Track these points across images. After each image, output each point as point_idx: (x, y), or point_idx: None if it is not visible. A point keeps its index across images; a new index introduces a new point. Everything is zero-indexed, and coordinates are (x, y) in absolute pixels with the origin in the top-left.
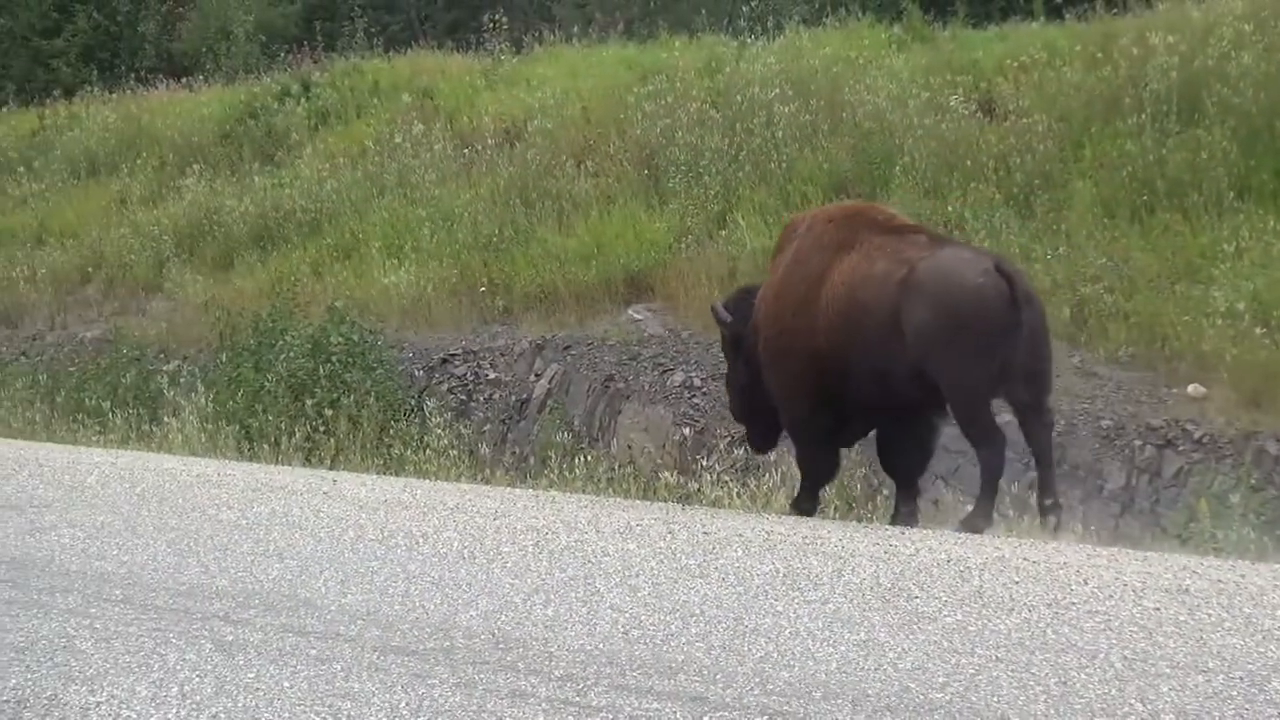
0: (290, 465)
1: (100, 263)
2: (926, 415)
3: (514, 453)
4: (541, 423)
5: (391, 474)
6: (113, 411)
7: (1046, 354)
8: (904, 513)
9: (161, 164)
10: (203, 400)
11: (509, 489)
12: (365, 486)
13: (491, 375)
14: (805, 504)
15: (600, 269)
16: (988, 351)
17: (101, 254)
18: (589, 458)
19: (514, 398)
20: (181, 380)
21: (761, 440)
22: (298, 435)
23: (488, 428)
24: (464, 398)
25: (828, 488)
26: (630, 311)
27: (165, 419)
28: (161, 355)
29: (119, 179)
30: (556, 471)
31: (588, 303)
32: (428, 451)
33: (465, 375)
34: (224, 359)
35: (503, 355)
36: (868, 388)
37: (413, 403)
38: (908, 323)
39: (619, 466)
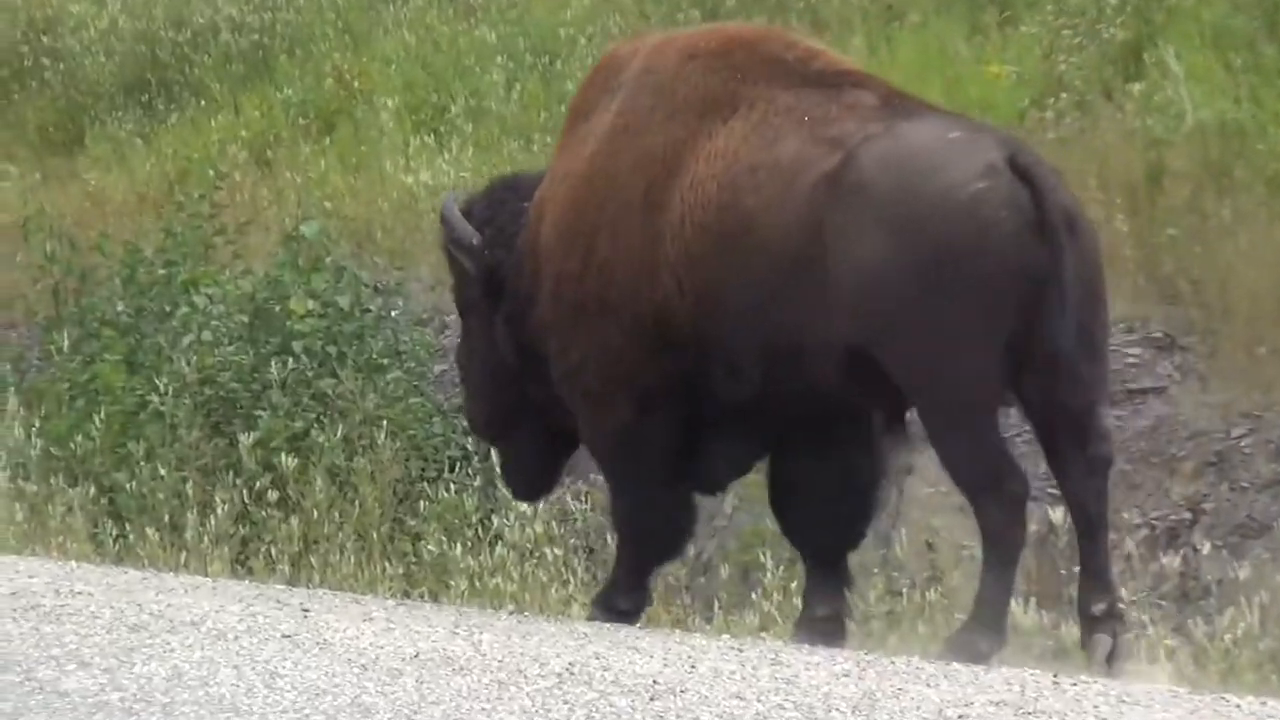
0: (204, 574)
1: None
2: (863, 430)
3: (696, 558)
4: (743, 491)
5: (421, 596)
6: None
7: (1102, 321)
8: (820, 618)
9: None
10: (16, 430)
11: None
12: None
13: None
14: (623, 594)
15: None
16: (992, 318)
17: None
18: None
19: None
20: None
21: (528, 473)
22: (222, 511)
23: None
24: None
25: (671, 566)
26: None
27: None
28: None
29: None
30: (773, 601)
31: None
32: (502, 550)
33: None
34: (59, 344)
35: None
36: (754, 379)
37: (464, 444)
38: (839, 261)
39: (912, 588)
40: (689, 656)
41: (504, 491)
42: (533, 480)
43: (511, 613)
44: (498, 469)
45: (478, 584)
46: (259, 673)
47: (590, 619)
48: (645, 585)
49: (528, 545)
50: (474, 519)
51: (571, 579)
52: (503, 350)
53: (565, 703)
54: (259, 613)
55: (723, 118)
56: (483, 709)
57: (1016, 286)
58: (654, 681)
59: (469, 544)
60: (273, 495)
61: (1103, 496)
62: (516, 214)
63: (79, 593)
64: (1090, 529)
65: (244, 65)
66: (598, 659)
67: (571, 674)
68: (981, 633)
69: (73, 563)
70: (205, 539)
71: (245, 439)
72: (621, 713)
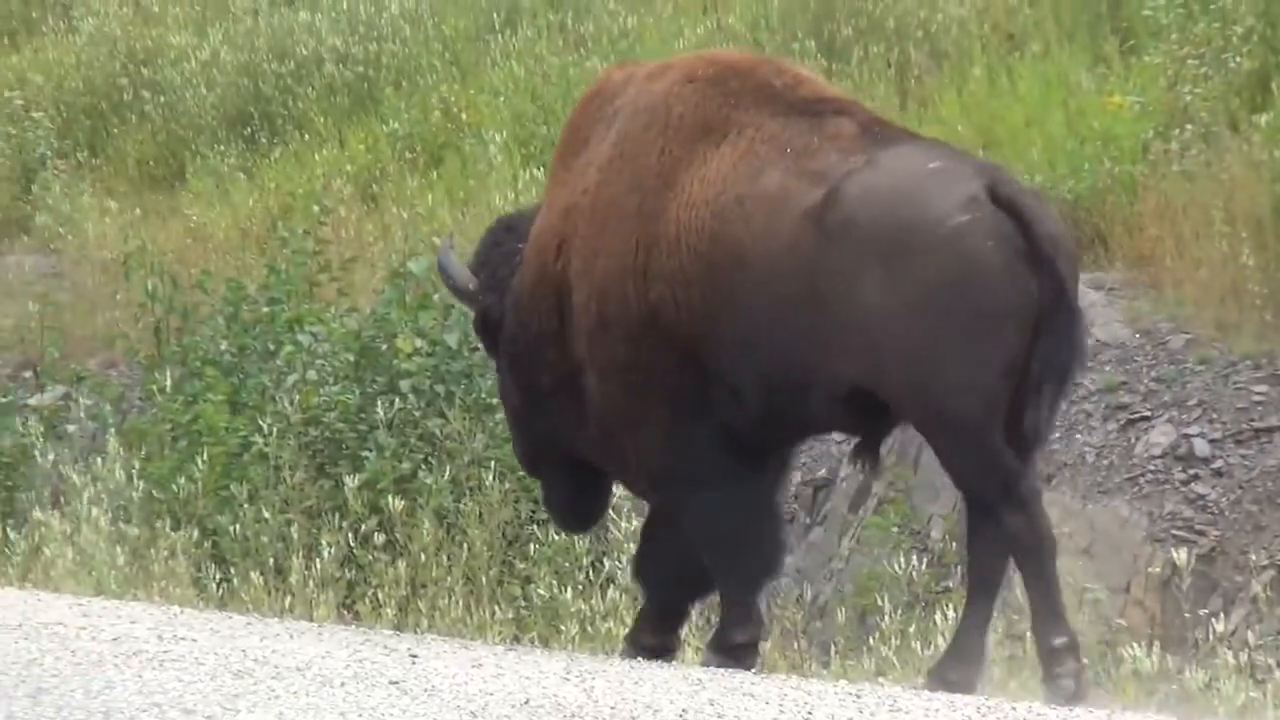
0: (310, 619)
1: None
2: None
3: (812, 602)
4: (860, 533)
5: (532, 641)
6: None
7: (1077, 355)
8: (739, 645)
9: None
10: (117, 472)
11: None
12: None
13: None
14: (735, 627)
15: None
16: (989, 346)
17: None
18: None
19: (800, 474)
20: (71, 429)
21: (570, 503)
22: (328, 555)
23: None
24: None
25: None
26: None
27: (34, 515)
28: (26, 372)
29: None
30: (890, 646)
31: None
32: (614, 593)
33: None
34: (161, 384)
35: None
36: (756, 407)
37: None
38: (836, 300)
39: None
40: (805, 703)
41: (613, 533)
42: (572, 512)
43: (624, 657)
44: (545, 504)
45: (589, 628)
46: None
47: (705, 664)
48: (755, 611)
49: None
50: (585, 562)
51: (686, 625)
52: (510, 391)
53: None
54: (365, 658)
55: (715, 143)
56: None
57: (1011, 314)
58: None
59: (580, 587)
60: (379, 538)
61: (1038, 525)
62: (509, 255)
63: (182, 638)
64: (1032, 564)
65: (349, 97)
66: (712, 705)
67: None
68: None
69: (175, 607)
70: (310, 583)
71: (351, 481)
72: None
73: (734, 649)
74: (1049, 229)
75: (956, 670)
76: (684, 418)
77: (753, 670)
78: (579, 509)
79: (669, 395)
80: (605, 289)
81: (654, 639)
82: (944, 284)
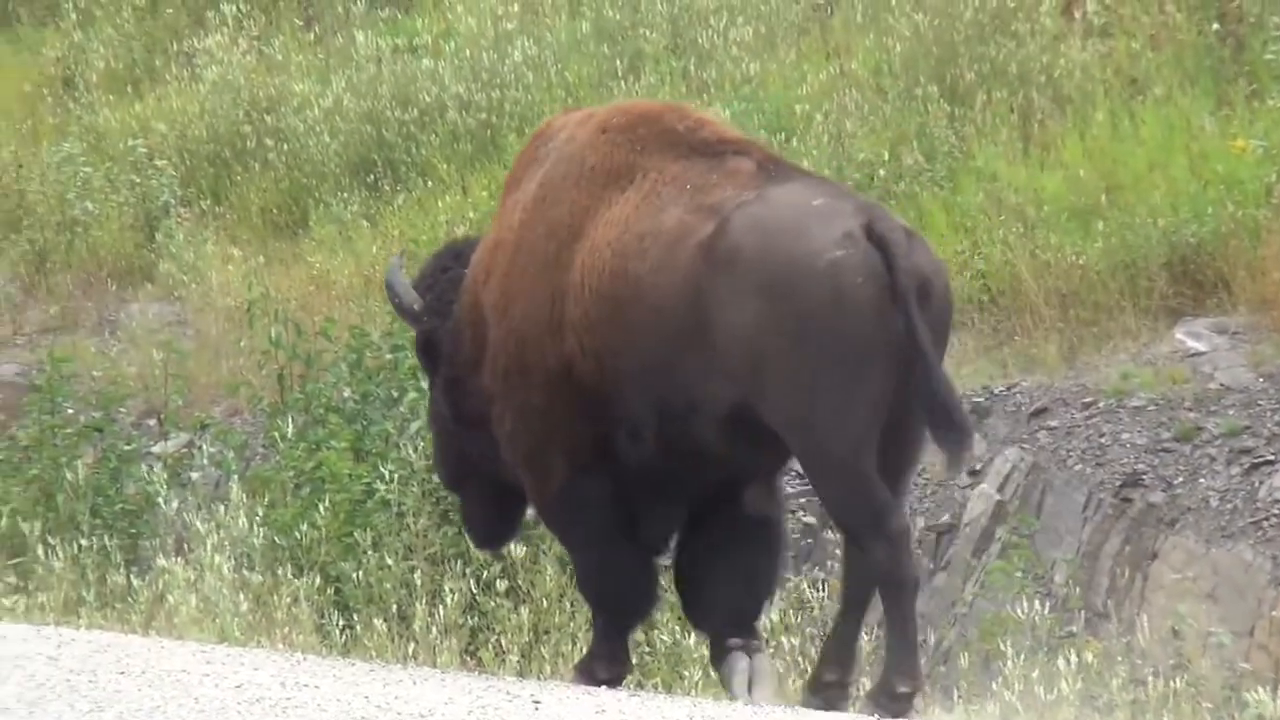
0: (433, 665)
1: (17, 219)
2: (755, 491)
3: (936, 646)
4: (984, 578)
5: (655, 686)
6: (45, 545)
7: (926, 391)
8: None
9: (152, 6)
10: (240, 519)
11: None
12: None
13: None
14: (602, 663)
15: (1113, 242)
16: (859, 376)
17: (21, 201)
18: (1085, 657)
19: (924, 519)
20: (195, 476)
21: (485, 522)
22: (451, 601)
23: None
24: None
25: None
26: (1178, 333)
27: (158, 562)
28: (150, 420)
29: (55, 31)
30: (1014, 691)
31: (1081, 315)
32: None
33: None
34: (283, 431)
35: None
36: (649, 440)
37: None
38: (717, 324)
39: (1156, 676)
40: None
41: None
42: (487, 531)
43: (746, 704)
44: (462, 520)
45: (712, 674)
46: None
47: (572, 682)
48: (622, 653)
49: (764, 635)
50: None
51: (809, 668)
52: (450, 411)
53: None
54: (488, 705)
55: (621, 188)
56: None
57: (880, 347)
58: None
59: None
60: (502, 584)
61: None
62: (455, 281)
63: (305, 685)
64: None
65: (472, 144)
66: None
67: None
68: (900, 680)
69: (299, 654)
70: (434, 629)
71: None
72: None
73: (599, 683)
74: (917, 264)
75: (904, 683)
76: (579, 466)
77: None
78: (493, 529)
79: (570, 444)
80: (524, 334)
81: (608, 671)
82: (816, 316)
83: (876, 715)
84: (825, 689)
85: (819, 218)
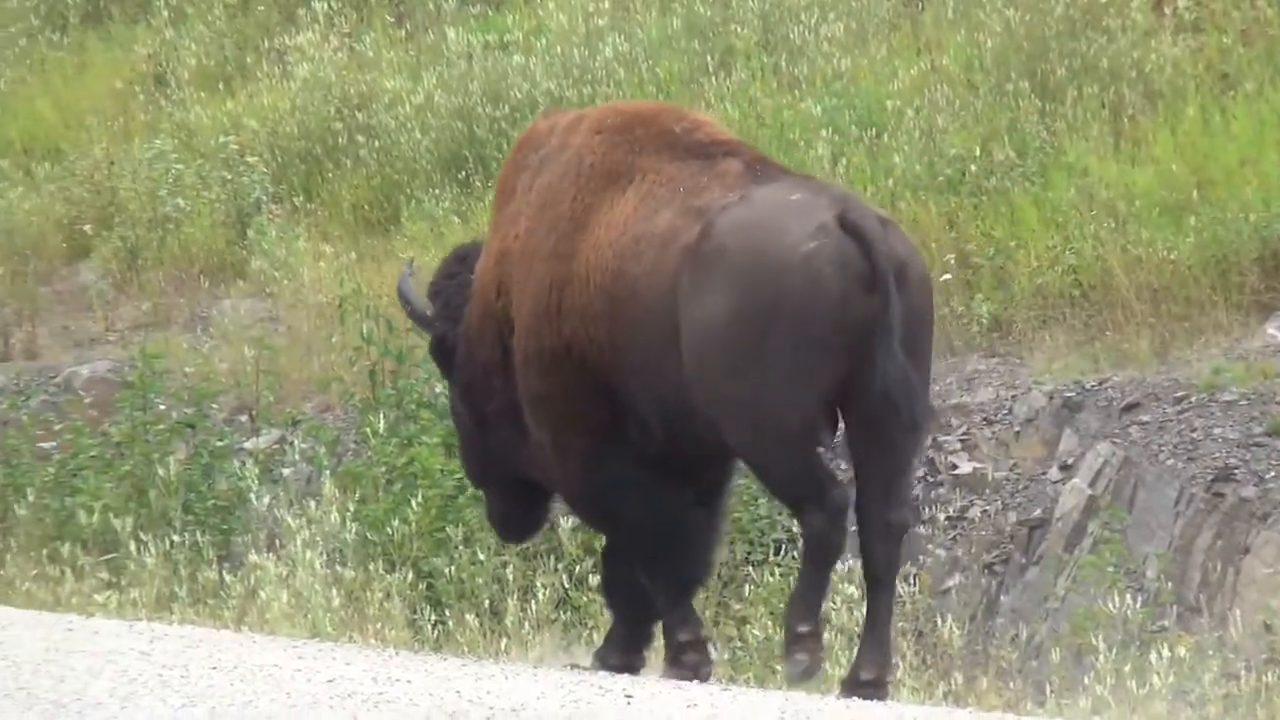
0: (525, 660)
1: (109, 216)
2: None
3: (1028, 641)
4: (1076, 573)
5: (747, 681)
6: (138, 541)
7: (920, 378)
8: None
9: (244, 3)
10: (332, 515)
11: None
12: None
13: (965, 464)
14: (677, 631)
15: (1204, 237)
16: (810, 361)
17: (114, 198)
18: (1176, 651)
19: (1015, 514)
20: (287, 472)
21: (510, 517)
22: (543, 596)
23: (955, 585)
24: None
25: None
26: (1269, 328)
27: (250, 558)
28: (242, 416)
29: (146, 29)
30: (1106, 685)
31: (1173, 309)
32: (829, 634)
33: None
34: (375, 427)
35: (989, 419)
36: (658, 435)
37: (789, 526)
38: (682, 317)
39: (1249, 671)
40: None
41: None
42: (510, 525)
43: (839, 699)
44: (487, 516)
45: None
46: None
47: (664, 677)
48: (692, 612)
49: (855, 629)
50: None
51: (900, 662)
52: (467, 411)
53: None
54: (580, 699)
55: (621, 188)
56: None
57: (840, 334)
58: None
59: None
60: (594, 579)
61: (894, 563)
62: (464, 286)
63: (397, 680)
64: (874, 591)
65: None
66: None
67: None
68: (801, 615)
69: (391, 650)
70: (526, 624)
71: (566, 522)
72: None
73: (680, 646)
74: (893, 249)
75: (804, 623)
76: (601, 446)
77: (704, 670)
78: (517, 523)
79: (587, 426)
80: (528, 326)
81: (620, 659)
82: (787, 303)
83: (785, 653)
84: (858, 688)
85: (795, 212)
